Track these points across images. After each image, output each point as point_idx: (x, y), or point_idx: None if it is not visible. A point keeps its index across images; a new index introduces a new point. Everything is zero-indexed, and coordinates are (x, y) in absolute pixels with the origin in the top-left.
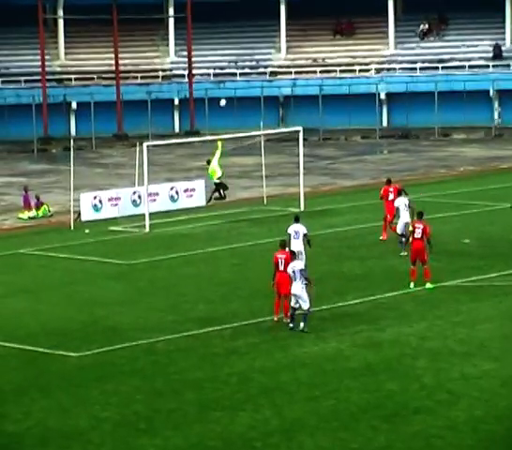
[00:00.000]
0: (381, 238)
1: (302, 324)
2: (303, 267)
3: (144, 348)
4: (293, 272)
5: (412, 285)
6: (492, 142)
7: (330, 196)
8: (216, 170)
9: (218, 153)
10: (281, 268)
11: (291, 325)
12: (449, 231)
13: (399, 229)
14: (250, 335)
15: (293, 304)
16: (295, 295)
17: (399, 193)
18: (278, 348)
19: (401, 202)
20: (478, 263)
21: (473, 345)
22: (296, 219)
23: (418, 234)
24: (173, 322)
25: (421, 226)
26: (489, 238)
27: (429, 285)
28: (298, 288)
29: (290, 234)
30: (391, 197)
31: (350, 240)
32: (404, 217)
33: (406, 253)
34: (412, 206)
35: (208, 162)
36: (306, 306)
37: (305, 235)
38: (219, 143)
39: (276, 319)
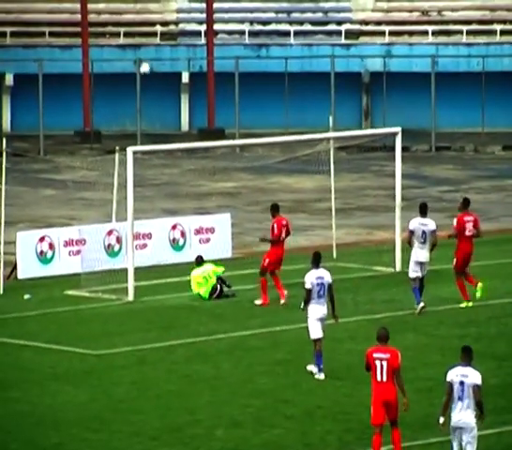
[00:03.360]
0: (257, 302)
1: None
2: (478, 383)
3: None
4: (462, 383)
5: None
6: None
7: (448, 247)
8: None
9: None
10: (382, 377)
11: None
12: None
13: (411, 269)
14: None
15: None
16: (464, 430)
17: (422, 210)
18: None
19: (418, 226)
20: None
21: None
22: (316, 262)
23: None
24: None
25: None
26: None
27: None
28: (469, 416)
29: (309, 289)
30: (284, 236)
31: (481, 326)
32: (420, 252)
33: (423, 305)
34: (434, 235)
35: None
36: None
37: (330, 287)
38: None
39: None
